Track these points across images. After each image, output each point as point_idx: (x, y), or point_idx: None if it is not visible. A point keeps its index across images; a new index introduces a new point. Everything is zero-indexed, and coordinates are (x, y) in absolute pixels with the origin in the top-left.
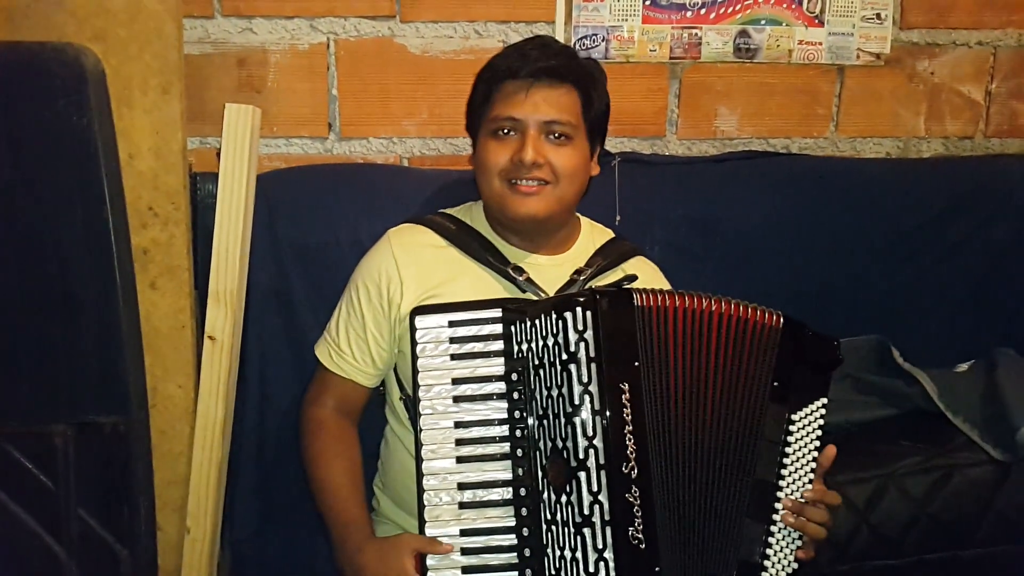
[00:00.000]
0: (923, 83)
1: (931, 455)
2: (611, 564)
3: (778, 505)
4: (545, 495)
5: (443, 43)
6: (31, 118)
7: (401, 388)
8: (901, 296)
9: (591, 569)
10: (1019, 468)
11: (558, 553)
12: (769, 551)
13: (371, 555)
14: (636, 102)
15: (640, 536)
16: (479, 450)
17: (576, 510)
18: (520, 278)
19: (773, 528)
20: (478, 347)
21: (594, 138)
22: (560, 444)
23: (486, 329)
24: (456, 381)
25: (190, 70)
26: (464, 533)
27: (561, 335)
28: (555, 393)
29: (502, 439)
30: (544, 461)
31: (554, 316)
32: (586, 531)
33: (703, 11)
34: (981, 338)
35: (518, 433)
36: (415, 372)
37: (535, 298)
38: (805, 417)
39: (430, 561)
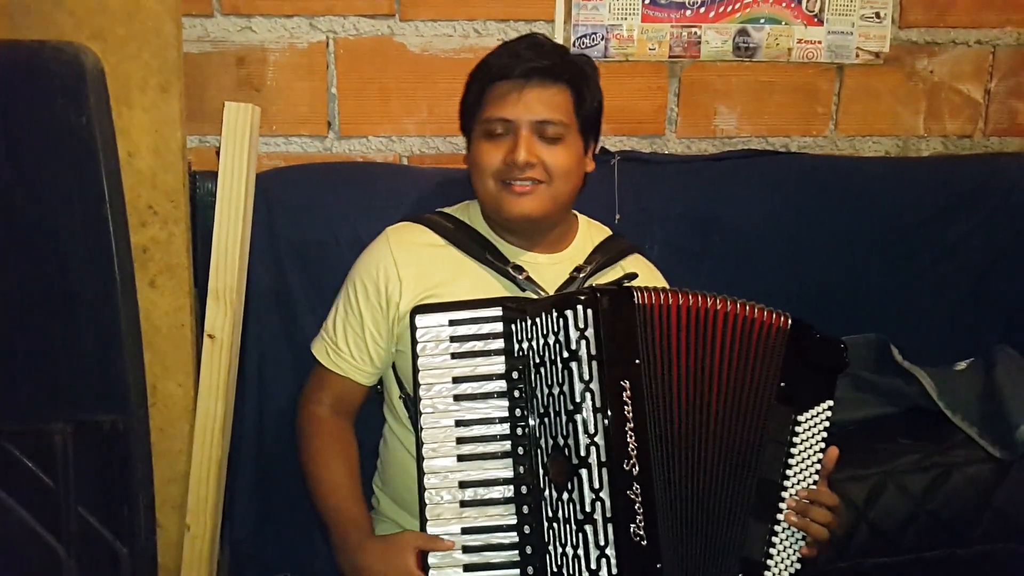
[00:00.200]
0: (922, 82)
1: (930, 453)
2: (613, 561)
3: (782, 505)
4: (546, 493)
5: (442, 42)
6: (30, 117)
7: (401, 387)
8: (900, 294)
9: (593, 566)
10: (1018, 466)
11: (560, 550)
12: (773, 550)
13: (373, 553)
14: (635, 101)
15: (641, 533)
16: (480, 448)
17: (577, 507)
18: (520, 277)
19: (777, 528)
20: (478, 345)
21: (587, 134)
22: (561, 442)
23: (486, 328)
24: (457, 380)
25: (189, 69)
26: (466, 531)
27: (562, 333)
28: (556, 391)
29: (503, 437)
30: (545, 459)
31: (555, 314)
32: (587, 528)
33: (702, 10)
34: (980, 336)
35: (519, 431)
36: (416, 371)
37: (535, 296)
38: (811, 419)
39: (432, 559)
